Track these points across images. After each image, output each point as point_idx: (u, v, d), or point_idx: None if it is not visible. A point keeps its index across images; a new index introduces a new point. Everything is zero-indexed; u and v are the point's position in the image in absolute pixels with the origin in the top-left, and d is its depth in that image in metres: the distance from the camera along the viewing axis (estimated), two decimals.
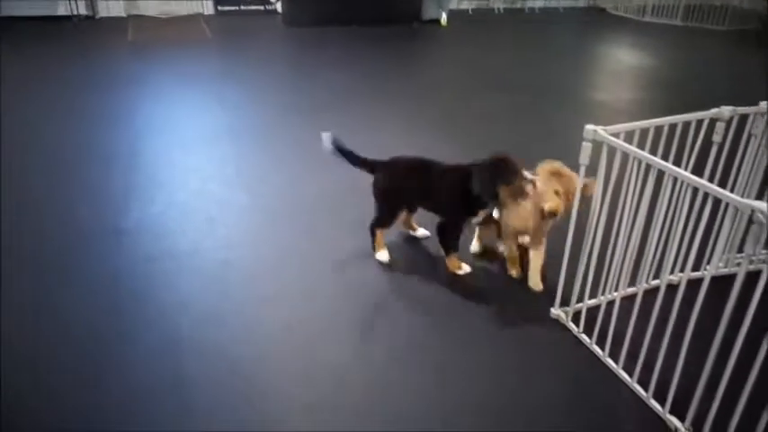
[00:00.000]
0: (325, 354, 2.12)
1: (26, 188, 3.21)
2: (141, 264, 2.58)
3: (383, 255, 2.65)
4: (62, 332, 2.18)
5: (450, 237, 2.57)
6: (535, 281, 2.49)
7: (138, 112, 4.40)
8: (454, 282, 2.54)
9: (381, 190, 2.59)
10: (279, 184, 3.38)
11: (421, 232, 2.84)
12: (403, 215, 2.73)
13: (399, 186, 2.56)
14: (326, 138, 2.58)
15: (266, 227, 2.93)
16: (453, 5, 8.68)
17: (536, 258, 2.50)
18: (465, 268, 2.61)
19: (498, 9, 9.20)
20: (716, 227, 2.32)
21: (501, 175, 2.32)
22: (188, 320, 2.25)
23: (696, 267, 2.25)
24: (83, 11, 7.40)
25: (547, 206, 2.31)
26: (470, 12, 8.98)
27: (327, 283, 2.51)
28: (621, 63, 6.60)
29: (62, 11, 7.29)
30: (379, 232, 2.66)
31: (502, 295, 2.48)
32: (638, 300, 1.93)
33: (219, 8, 8.03)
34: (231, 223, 2.94)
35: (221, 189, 3.29)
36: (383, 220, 2.63)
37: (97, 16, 7.54)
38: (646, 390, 1.92)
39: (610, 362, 2.07)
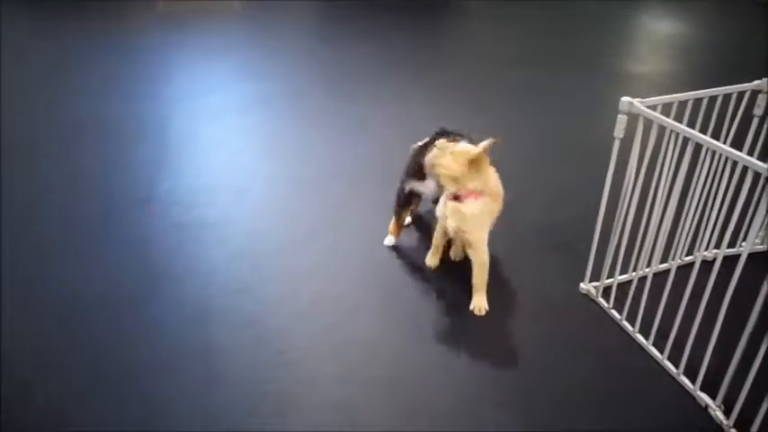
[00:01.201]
0: (354, 329, 2.14)
1: (55, 158, 3.26)
2: (172, 233, 2.62)
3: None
4: (92, 300, 2.23)
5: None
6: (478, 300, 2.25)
7: (166, 83, 4.42)
8: None
9: None
10: (310, 156, 3.38)
11: None
12: None
13: None
14: None
15: (296, 199, 2.94)
16: None
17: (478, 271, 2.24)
18: (389, 239, 2.57)
19: None
20: (754, 202, 2.26)
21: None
22: (218, 291, 2.29)
23: (732, 244, 2.21)
24: None
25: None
26: None
27: (357, 257, 2.52)
28: (656, 33, 6.41)
29: None
30: None
31: (529, 268, 2.47)
32: (671, 276, 1.90)
33: None
34: (261, 195, 2.96)
35: (251, 160, 3.30)
36: None
37: None
38: (676, 366, 1.91)
39: (640, 338, 2.05)
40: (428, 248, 2.48)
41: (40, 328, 2.10)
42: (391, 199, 2.64)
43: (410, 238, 2.63)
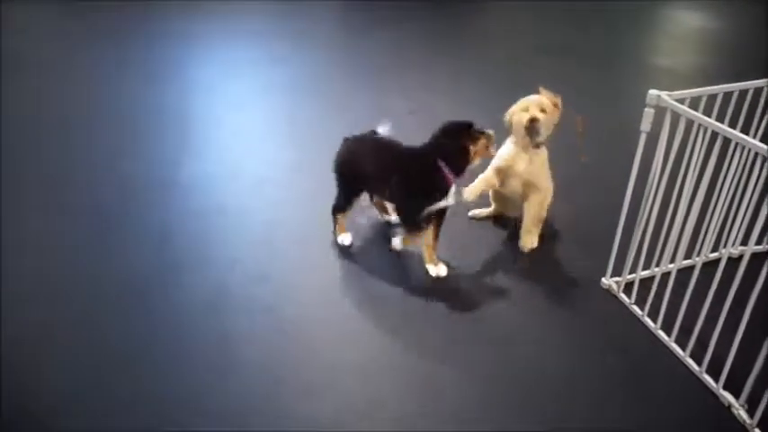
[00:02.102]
0: (373, 318, 2.14)
1: (77, 141, 3.29)
2: (192, 219, 2.64)
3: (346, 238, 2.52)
4: (110, 284, 2.26)
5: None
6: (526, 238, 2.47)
7: (189, 69, 4.44)
8: (503, 247, 2.51)
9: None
10: (331, 143, 3.35)
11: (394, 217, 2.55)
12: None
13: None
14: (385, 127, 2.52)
15: (316, 188, 2.92)
16: None
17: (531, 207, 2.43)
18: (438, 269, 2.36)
19: None
20: None
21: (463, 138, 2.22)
22: (236, 277, 2.30)
23: (759, 241, 2.17)
24: None
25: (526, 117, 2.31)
26: None
27: (374, 247, 2.52)
28: (683, 25, 6.29)
29: None
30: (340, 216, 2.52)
31: (550, 261, 2.45)
32: (696, 273, 1.87)
33: None
34: (281, 183, 2.96)
35: (272, 148, 3.31)
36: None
37: None
38: (699, 364, 1.88)
39: (662, 335, 2.03)
40: (446, 241, 2.47)
41: (58, 311, 2.12)
42: None
43: None
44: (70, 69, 4.33)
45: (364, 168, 2.39)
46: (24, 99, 3.80)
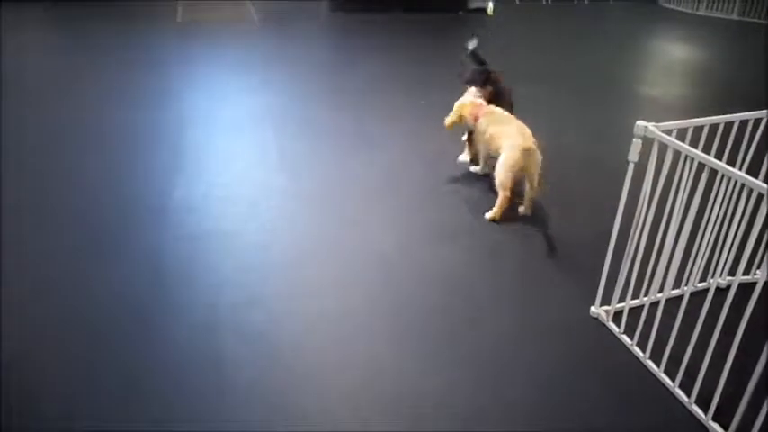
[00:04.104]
0: (362, 344, 2.12)
1: (74, 163, 3.29)
2: (184, 243, 2.62)
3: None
4: (103, 307, 2.23)
5: None
6: None
7: (183, 93, 4.47)
8: (493, 274, 2.51)
9: None
10: (321, 169, 3.39)
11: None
12: None
13: None
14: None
15: (307, 212, 2.94)
16: None
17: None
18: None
19: (547, 0, 9.02)
20: None
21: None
22: (229, 302, 2.28)
23: (747, 271, 2.18)
24: None
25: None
26: (518, 2, 8.82)
27: (365, 271, 2.51)
28: (673, 58, 6.40)
29: None
30: None
31: (539, 289, 2.44)
32: (684, 303, 1.87)
33: None
34: (273, 207, 2.96)
35: (264, 173, 3.32)
36: None
37: None
38: (688, 395, 1.87)
39: (651, 364, 2.02)
40: (436, 265, 2.47)
41: (51, 335, 2.10)
42: (398, 215, 2.63)
43: (420, 249, 2.61)
44: (64, 93, 4.34)
45: None
46: (18, 122, 3.80)
